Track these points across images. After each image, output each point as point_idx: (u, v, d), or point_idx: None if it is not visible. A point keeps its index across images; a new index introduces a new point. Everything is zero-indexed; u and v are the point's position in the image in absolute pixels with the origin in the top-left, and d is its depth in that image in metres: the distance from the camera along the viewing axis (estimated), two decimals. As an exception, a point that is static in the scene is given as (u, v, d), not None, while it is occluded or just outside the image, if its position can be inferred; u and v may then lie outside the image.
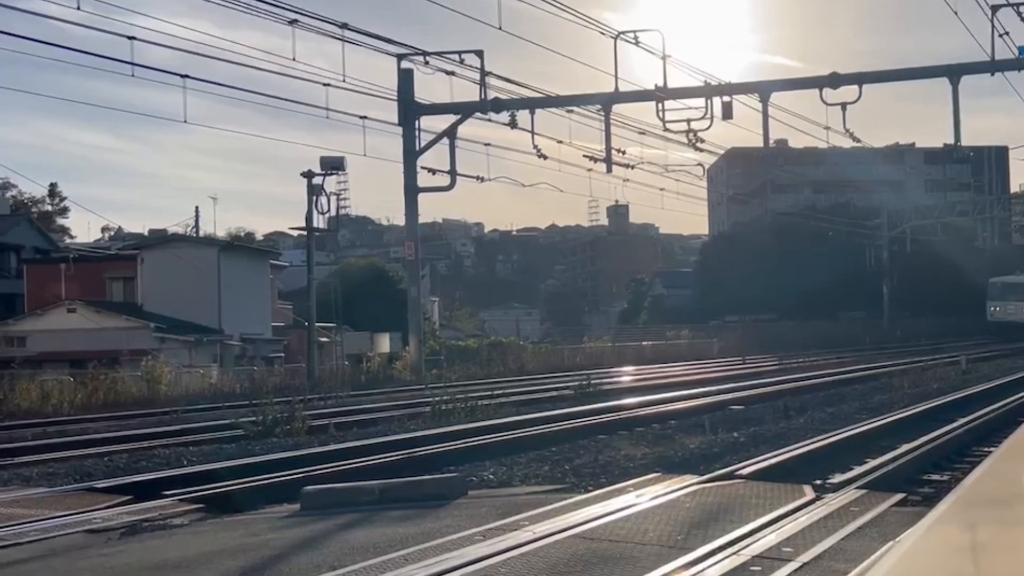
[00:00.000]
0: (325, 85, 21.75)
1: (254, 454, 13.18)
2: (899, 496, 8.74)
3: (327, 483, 9.65)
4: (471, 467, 11.72)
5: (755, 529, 7.11)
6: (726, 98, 25.61)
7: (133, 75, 19.34)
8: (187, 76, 19.31)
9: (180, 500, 9.31)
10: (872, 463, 11.23)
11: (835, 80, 24.66)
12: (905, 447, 12.58)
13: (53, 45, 26.84)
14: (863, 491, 8.96)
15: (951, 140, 26.64)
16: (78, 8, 16.74)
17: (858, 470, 10.68)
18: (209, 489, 9.70)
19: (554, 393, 24.60)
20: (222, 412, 20.53)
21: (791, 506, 7.98)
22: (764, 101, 25.43)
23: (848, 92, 25.47)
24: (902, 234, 73.36)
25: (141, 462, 12.72)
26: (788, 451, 11.91)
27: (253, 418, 16.63)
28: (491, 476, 11.06)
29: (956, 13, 25.26)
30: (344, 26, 21.05)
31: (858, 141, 29.02)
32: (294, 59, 20.87)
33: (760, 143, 27.87)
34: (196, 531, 8.23)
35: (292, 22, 20.05)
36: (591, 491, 9.41)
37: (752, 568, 6.10)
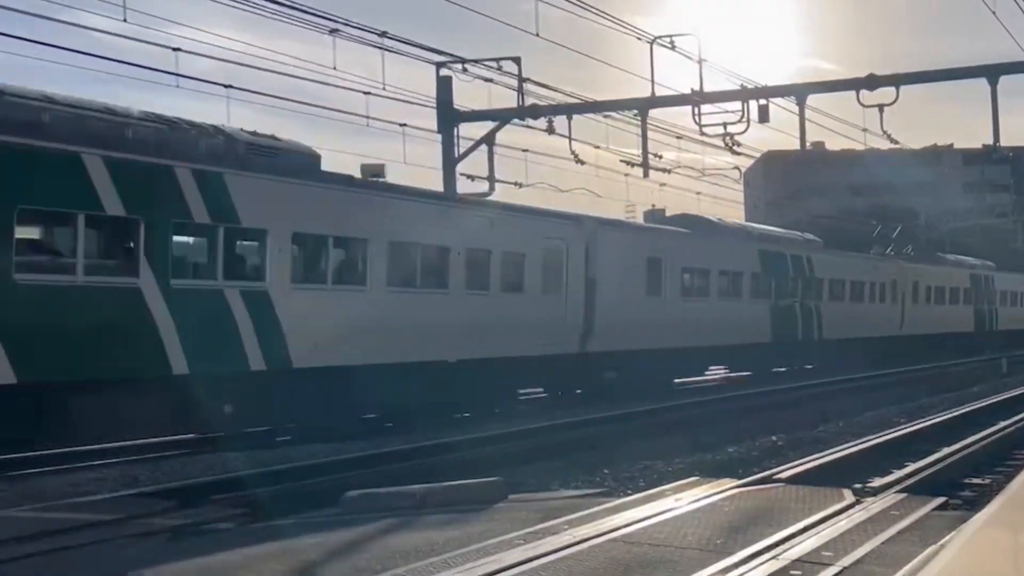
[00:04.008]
0: (365, 94, 21.84)
1: (295, 459, 13.31)
2: (940, 500, 8.73)
3: (368, 487, 9.75)
4: (510, 471, 11.79)
5: (795, 533, 7.11)
6: (762, 101, 25.43)
7: (178, 86, 19.42)
8: (230, 86, 19.44)
9: (225, 504, 9.44)
10: (912, 467, 11.19)
11: (872, 82, 24.41)
12: (946, 450, 12.54)
13: (101, 57, 27.13)
14: (904, 495, 8.95)
15: (990, 141, 26.33)
16: (124, 20, 16.84)
17: (898, 474, 10.66)
18: (253, 493, 9.84)
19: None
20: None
21: (831, 510, 7.98)
22: (800, 104, 25.21)
23: (885, 94, 25.22)
24: (940, 236, 72.62)
25: (187, 467, 12.89)
26: (827, 455, 11.89)
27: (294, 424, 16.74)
28: (531, 480, 11.12)
29: (995, 13, 25.01)
30: (384, 35, 21.10)
31: (896, 143, 28.80)
32: (335, 68, 20.87)
33: (797, 146, 27.72)
34: (240, 535, 8.34)
35: (333, 31, 20.11)
36: (630, 495, 9.46)
37: (792, 572, 6.11)
